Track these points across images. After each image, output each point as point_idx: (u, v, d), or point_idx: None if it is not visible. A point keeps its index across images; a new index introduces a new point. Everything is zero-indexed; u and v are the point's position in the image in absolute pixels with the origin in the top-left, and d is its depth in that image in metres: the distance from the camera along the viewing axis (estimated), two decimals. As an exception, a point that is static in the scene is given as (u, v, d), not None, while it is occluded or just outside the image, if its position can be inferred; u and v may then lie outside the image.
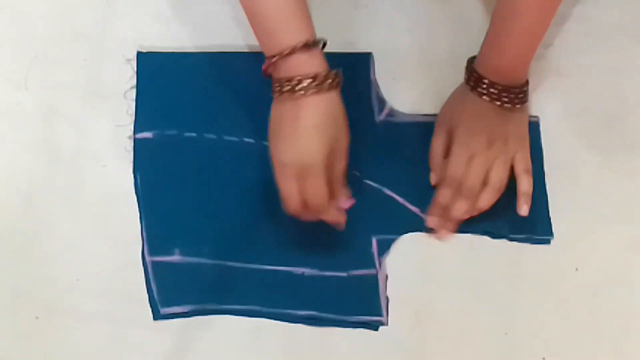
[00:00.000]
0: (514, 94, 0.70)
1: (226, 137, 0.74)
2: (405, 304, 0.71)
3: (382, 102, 0.76)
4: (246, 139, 0.74)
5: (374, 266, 0.71)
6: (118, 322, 0.70)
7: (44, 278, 0.71)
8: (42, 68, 0.76)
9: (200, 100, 0.75)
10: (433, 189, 0.73)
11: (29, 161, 0.73)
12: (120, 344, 0.69)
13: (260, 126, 0.73)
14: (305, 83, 0.62)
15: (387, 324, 0.70)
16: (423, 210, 0.73)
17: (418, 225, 0.73)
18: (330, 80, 0.63)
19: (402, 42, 0.79)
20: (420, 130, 0.75)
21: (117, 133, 0.74)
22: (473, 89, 0.71)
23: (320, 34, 0.77)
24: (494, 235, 0.73)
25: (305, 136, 0.63)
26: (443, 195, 0.72)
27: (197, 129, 0.75)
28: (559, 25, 0.78)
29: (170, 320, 0.70)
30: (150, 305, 0.70)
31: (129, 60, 0.77)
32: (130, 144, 0.74)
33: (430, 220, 0.72)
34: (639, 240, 0.73)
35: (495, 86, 0.69)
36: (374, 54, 0.78)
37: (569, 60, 0.78)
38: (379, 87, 0.77)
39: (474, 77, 0.71)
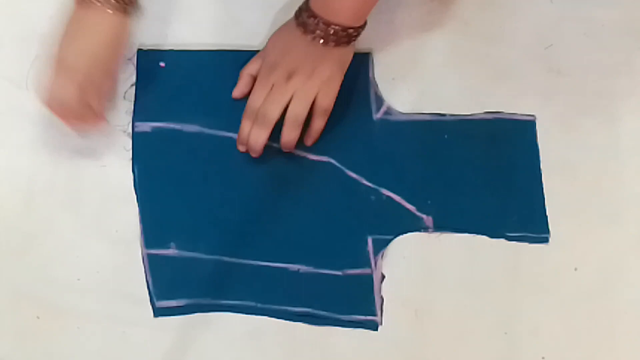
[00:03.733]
0: (334, 32, 0.68)
1: (225, 134, 0.75)
2: (404, 303, 0.71)
3: (379, 100, 0.76)
4: None
5: (369, 265, 0.71)
6: (118, 321, 0.70)
7: (44, 278, 0.71)
8: (43, 68, 0.76)
9: (199, 98, 0.76)
10: (430, 187, 0.73)
11: (29, 161, 0.74)
12: (120, 343, 0.70)
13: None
14: None
15: (381, 324, 0.70)
16: (419, 209, 0.73)
17: (415, 224, 0.73)
18: (120, 2, 0.68)
19: (402, 42, 0.79)
20: (417, 129, 0.75)
21: (116, 133, 0.74)
22: (296, 17, 0.70)
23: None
24: (491, 235, 0.73)
25: (92, 43, 0.68)
26: (244, 126, 0.72)
27: (195, 125, 0.75)
28: (559, 25, 0.78)
29: (171, 320, 0.70)
30: (151, 302, 0.71)
31: (129, 59, 0.77)
32: (129, 143, 0.74)
33: (240, 148, 0.73)
34: (638, 240, 0.73)
35: (318, 19, 0.68)
36: (374, 54, 0.78)
37: (569, 60, 0.78)
38: (377, 86, 0.77)
39: (300, 8, 0.70)
